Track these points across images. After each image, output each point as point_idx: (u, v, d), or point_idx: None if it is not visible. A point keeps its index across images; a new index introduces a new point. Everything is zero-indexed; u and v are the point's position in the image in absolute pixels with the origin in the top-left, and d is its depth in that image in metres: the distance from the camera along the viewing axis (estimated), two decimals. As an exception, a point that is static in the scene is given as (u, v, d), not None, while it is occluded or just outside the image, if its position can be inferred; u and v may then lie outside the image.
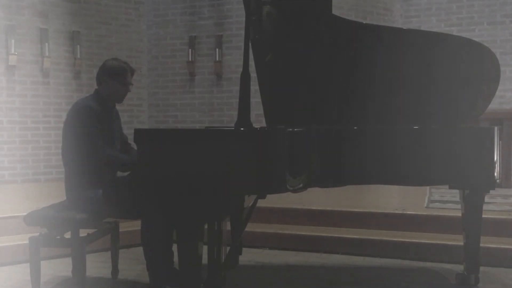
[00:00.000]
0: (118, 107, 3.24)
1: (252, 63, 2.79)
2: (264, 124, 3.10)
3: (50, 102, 6.39)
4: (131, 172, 2.60)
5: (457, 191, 3.20)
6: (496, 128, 3.04)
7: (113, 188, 2.63)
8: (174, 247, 2.73)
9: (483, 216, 3.08)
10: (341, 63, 3.10)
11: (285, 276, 3.52)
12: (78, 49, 6.50)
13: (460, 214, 3.27)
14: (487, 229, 3.42)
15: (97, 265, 3.61)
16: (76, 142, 2.90)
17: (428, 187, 5.15)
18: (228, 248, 3.18)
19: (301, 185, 2.69)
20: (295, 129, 2.66)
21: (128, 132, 3.21)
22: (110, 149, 2.98)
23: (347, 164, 2.88)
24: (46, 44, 6.28)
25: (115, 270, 3.34)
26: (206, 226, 2.67)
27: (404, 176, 2.94)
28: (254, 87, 2.82)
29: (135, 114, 7.04)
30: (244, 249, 3.77)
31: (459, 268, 3.36)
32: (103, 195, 2.70)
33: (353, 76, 3.12)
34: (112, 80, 3.02)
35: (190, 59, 6.99)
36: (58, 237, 2.92)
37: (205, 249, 2.64)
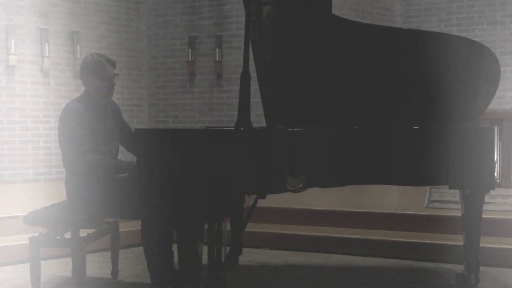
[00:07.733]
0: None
1: (252, 63, 2.78)
2: (264, 124, 3.10)
3: (50, 102, 6.38)
4: (131, 172, 2.60)
5: (457, 191, 3.20)
6: (496, 128, 3.04)
7: (113, 188, 2.63)
8: (174, 247, 2.73)
9: (483, 216, 3.08)
10: (341, 63, 3.10)
11: (285, 276, 3.52)
12: (78, 49, 6.49)
13: (460, 214, 3.27)
14: (487, 229, 3.42)
15: (97, 265, 3.61)
16: (64, 145, 2.89)
17: (428, 187, 5.14)
18: (228, 248, 3.18)
19: (301, 185, 2.69)
20: (295, 129, 2.66)
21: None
22: (95, 154, 2.84)
23: (347, 164, 2.88)
24: (46, 44, 6.27)
25: (115, 270, 3.35)
26: (206, 226, 2.67)
27: (404, 176, 2.94)
28: (254, 87, 2.82)
29: (135, 114, 7.04)
30: (244, 249, 3.77)
31: (459, 268, 3.36)
32: (103, 195, 2.70)
33: (353, 76, 3.12)
34: (92, 77, 2.96)
35: (190, 59, 6.99)
36: (58, 237, 2.92)
37: (205, 249, 2.64)
